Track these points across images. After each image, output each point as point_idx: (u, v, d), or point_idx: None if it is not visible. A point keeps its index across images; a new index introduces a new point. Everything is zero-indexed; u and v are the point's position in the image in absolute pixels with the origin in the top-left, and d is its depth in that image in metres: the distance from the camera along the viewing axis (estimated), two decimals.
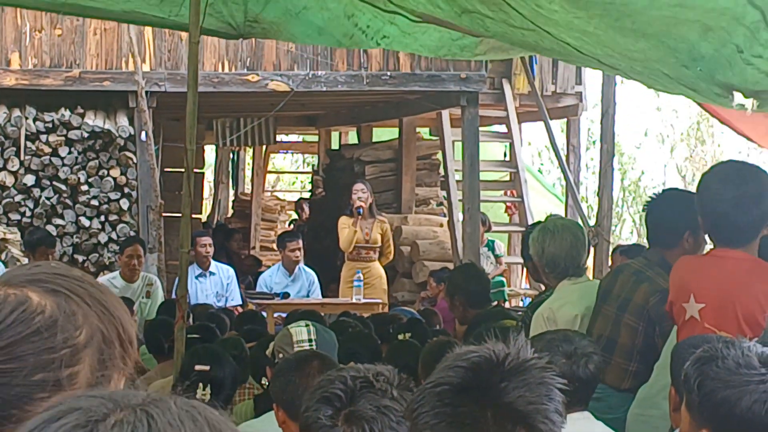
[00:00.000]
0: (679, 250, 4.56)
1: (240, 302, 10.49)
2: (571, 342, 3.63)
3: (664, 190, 4.98)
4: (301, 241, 11.11)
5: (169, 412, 1.13)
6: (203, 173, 13.89)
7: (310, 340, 4.36)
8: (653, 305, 4.43)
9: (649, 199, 4.80)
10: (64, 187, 10.00)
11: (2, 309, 1.48)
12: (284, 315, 8.60)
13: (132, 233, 10.08)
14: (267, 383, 4.54)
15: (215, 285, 10.51)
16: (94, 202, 10.05)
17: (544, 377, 1.73)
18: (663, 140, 25.53)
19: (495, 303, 9.41)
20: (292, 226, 17.83)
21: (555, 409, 1.71)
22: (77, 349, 1.49)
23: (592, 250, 6.96)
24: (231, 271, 10.78)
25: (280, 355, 4.31)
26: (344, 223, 10.95)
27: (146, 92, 10.25)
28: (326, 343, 4.38)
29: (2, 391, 1.45)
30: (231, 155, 18.58)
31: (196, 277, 10.44)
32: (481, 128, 11.58)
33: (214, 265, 10.64)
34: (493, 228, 12.19)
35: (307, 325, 4.47)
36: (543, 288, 5.78)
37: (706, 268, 4.12)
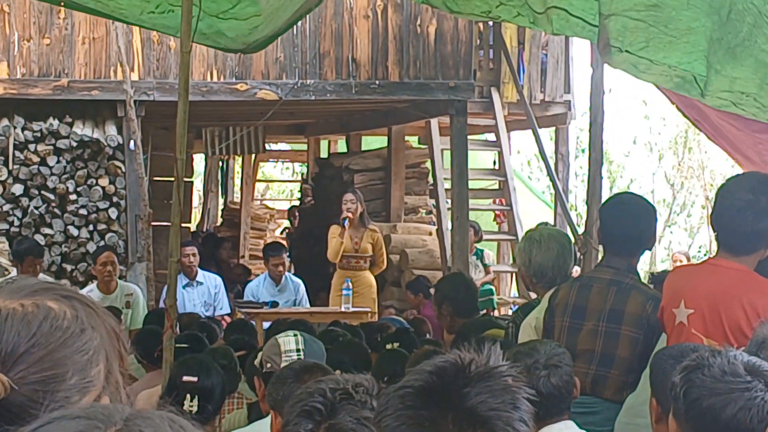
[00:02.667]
0: (641, 254, 4.66)
1: (228, 311, 10.44)
2: (532, 356, 3.58)
3: (615, 196, 4.96)
4: (285, 255, 11.08)
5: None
6: (192, 182, 13.88)
7: (298, 350, 4.34)
8: (651, 312, 4.43)
9: (603, 208, 4.76)
10: (52, 197, 9.98)
11: (32, 320, 1.48)
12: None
13: (121, 242, 10.06)
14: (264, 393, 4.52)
15: (203, 294, 10.45)
16: (83, 212, 10.03)
17: (510, 385, 1.70)
18: (651, 148, 25.59)
19: (483, 312, 9.42)
20: (284, 234, 17.82)
21: (520, 418, 1.69)
22: (97, 348, 1.52)
23: (580, 257, 6.95)
24: (219, 279, 10.72)
25: (268, 365, 4.30)
26: (333, 232, 10.94)
27: (135, 101, 10.25)
28: (314, 353, 4.37)
29: (48, 398, 1.45)
30: (220, 164, 18.58)
31: (183, 287, 10.39)
32: (469, 137, 11.58)
33: (202, 275, 10.56)
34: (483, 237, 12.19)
35: (295, 335, 4.45)
36: (533, 296, 5.77)
37: (699, 276, 4.16)
